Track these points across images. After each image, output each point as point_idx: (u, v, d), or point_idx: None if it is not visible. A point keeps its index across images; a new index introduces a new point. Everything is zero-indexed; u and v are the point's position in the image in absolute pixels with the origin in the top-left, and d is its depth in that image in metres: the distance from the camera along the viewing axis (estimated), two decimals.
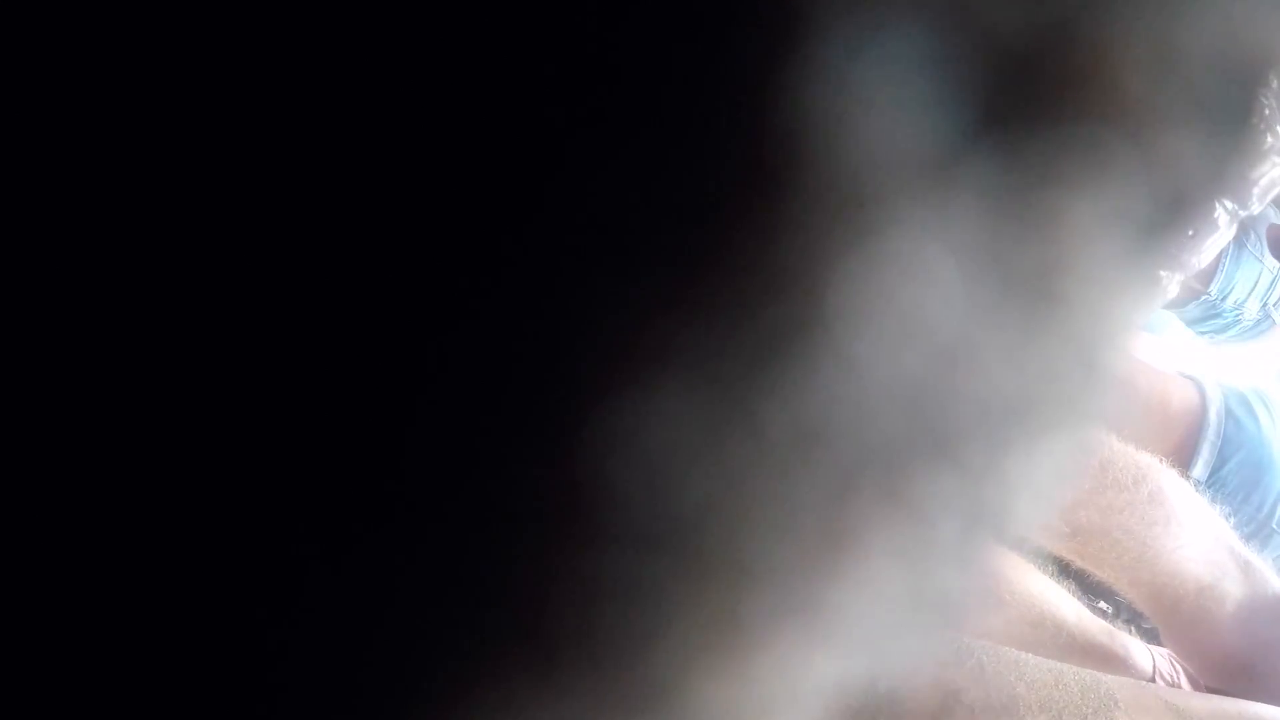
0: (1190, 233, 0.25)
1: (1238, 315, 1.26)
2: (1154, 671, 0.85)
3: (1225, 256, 1.23)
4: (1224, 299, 1.24)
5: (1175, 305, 1.25)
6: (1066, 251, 0.16)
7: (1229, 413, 0.96)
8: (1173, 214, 0.19)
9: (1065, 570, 0.88)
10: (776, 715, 0.20)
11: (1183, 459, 0.95)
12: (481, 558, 0.15)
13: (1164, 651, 0.88)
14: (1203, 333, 1.29)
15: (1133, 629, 0.89)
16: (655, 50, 0.13)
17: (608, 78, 0.13)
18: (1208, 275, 1.24)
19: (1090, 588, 0.87)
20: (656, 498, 0.15)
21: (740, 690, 0.19)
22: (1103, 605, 0.94)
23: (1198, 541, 0.81)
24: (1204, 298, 1.24)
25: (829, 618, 0.18)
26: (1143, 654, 0.87)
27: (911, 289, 0.15)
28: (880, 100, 0.14)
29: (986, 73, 0.14)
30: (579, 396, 0.14)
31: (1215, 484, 0.94)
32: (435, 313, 0.14)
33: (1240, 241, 1.19)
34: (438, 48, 0.13)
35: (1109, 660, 0.83)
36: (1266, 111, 0.20)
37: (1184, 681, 0.86)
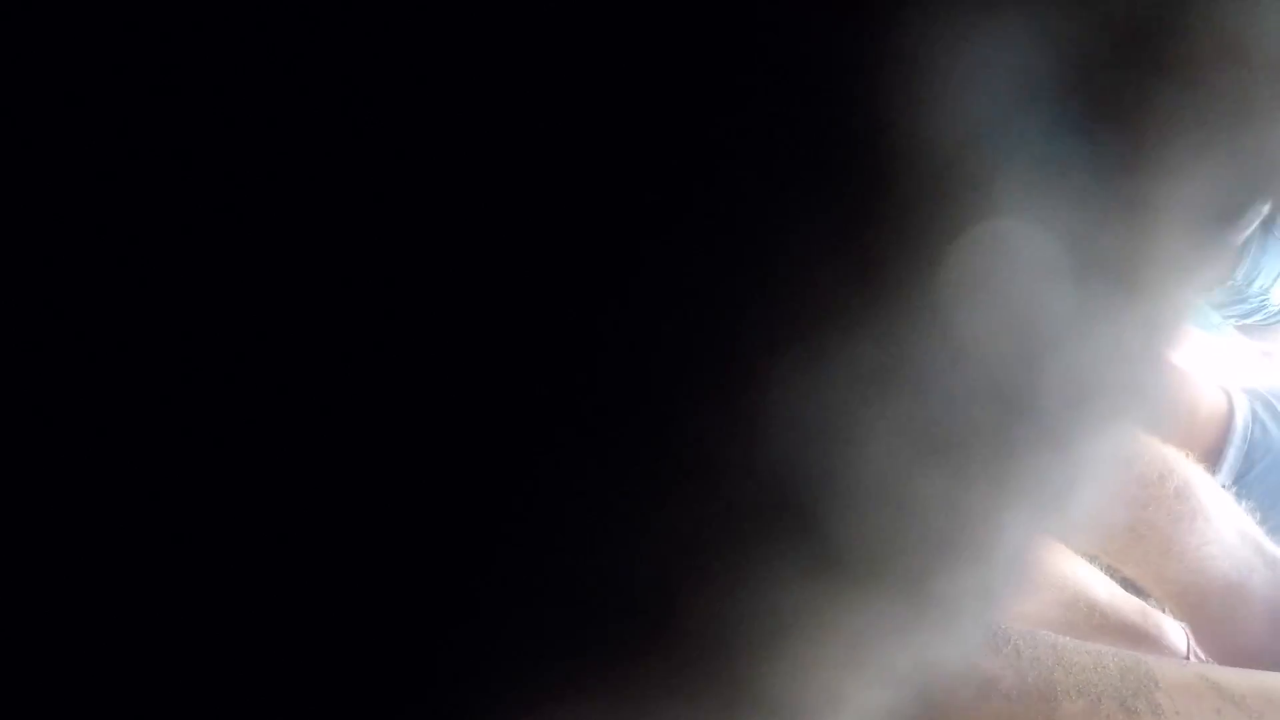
0: (1254, 220, 0.25)
1: (1263, 301, 1.25)
2: (1189, 649, 0.85)
3: (1251, 243, 1.22)
4: (1250, 284, 1.23)
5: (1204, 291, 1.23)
6: (1152, 238, 0.17)
7: (1255, 418, 0.96)
8: (1247, 202, 0.20)
9: (1094, 560, 0.87)
10: (852, 701, 0.20)
11: (1208, 464, 0.94)
12: (616, 555, 0.15)
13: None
14: (1228, 317, 1.28)
15: (1165, 608, 0.88)
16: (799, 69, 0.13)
17: (762, 93, 0.14)
18: (1233, 261, 1.23)
19: (1118, 577, 0.87)
20: (803, 480, 0.16)
21: (833, 676, 0.19)
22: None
23: (1224, 538, 0.80)
24: (1230, 284, 1.23)
25: (932, 606, 0.19)
26: (1176, 632, 0.86)
27: (1013, 272, 0.15)
28: (985, 89, 0.14)
29: (1090, 60, 0.15)
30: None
31: (1240, 490, 0.93)
32: (604, 276, 0.14)
33: (1267, 228, 1.18)
34: (624, 65, 0.13)
35: (1143, 639, 0.83)
36: None
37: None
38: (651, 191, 0.15)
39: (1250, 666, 0.81)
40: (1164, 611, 0.88)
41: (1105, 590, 0.84)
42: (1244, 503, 0.86)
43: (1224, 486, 0.93)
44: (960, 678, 0.65)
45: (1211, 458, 0.95)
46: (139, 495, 0.15)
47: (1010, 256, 0.15)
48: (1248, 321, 1.30)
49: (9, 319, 0.14)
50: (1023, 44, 0.14)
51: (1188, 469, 0.80)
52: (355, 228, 0.14)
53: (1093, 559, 0.86)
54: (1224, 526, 0.80)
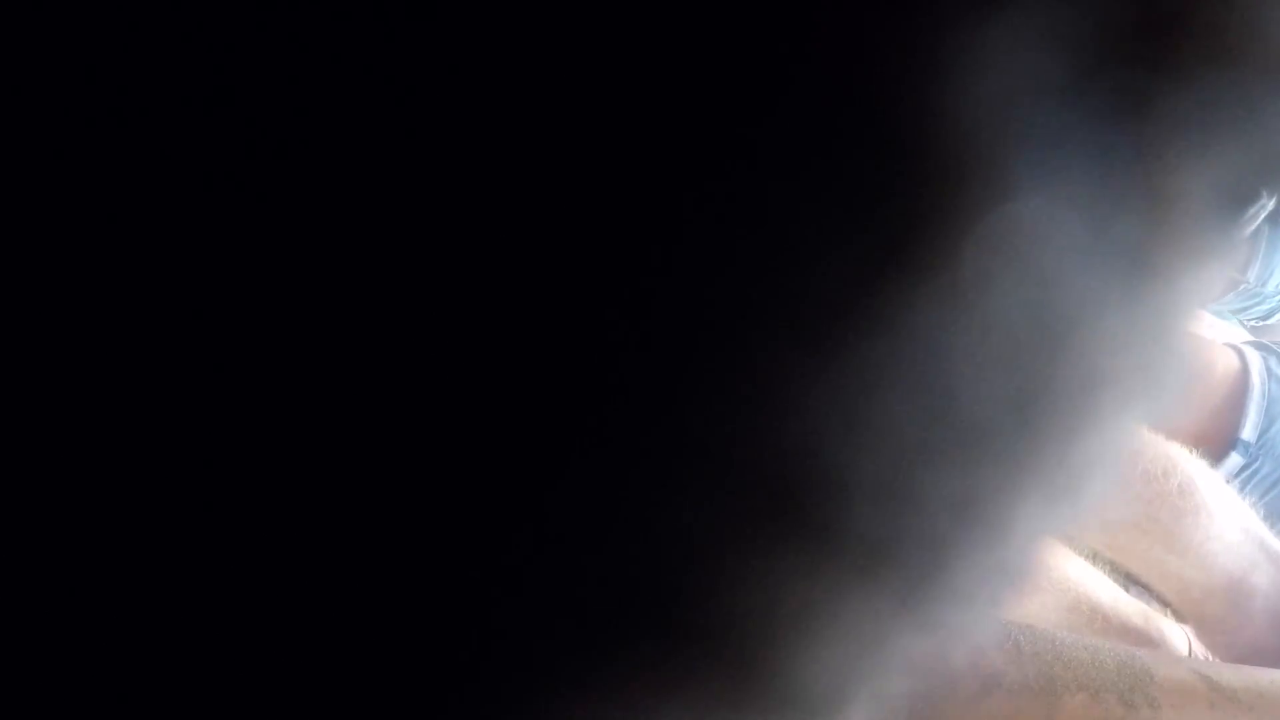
0: (1262, 211, 0.25)
1: None
2: (1190, 652, 0.85)
3: (1260, 242, 1.21)
4: (1264, 284, 1.22)
5: (1215, 299, 1.22)
6: (1167, 223, 0.17)
7: (1270, 373, 0.95)
8: (1256, 191, 0.20)
9: (1097, 558, 0.87)
10: (865, 687, 0.20)
11: (1230, 423, 0.93)
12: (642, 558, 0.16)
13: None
14: (1247, 320, 1.27)
15: (1168, 611, 0.88)
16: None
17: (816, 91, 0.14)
18: (1243, 263, 1.23)
19: (1122, 573, 0.87)
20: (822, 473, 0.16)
21: (846, 669, 0.19)
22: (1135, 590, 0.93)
23: (1227, 535, 0.80)
24: (1243, 286, 1.22)
25: (946, 596, 0.19)
26: (1178, 635, 0.86)
27: (1037, 252, 0.15)
28: (1004, 78, 0.14)
29: (1107, 49, 0.15)
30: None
31: (1265, 445, 0.92)
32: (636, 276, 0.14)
33: (1276, 225, 1.17)
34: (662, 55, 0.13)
35: (1145, 643, 0.83)
36: None
37: None
38: (661, 186, 0.15)
39: (1253, 662, 0.81)
40: (1166, 614, 0.87)
41: (1108, 594, 0.84)
42: (1267, 466, 0.85)
43: (1249, 444, 0.92)
44: (963, 673, 0.65)
45: (1232, 416, 0.94)
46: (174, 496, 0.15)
47: (1030, 240, 0.16)
48: (1268, 322, 1.29)
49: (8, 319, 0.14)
50: (1041, 34, 0.14)
51: (1192, 465, 0.80)
52: (378, 228, 0.14)
53: (1095, 556, 0.86)
54: (1228, 523, 0.80)
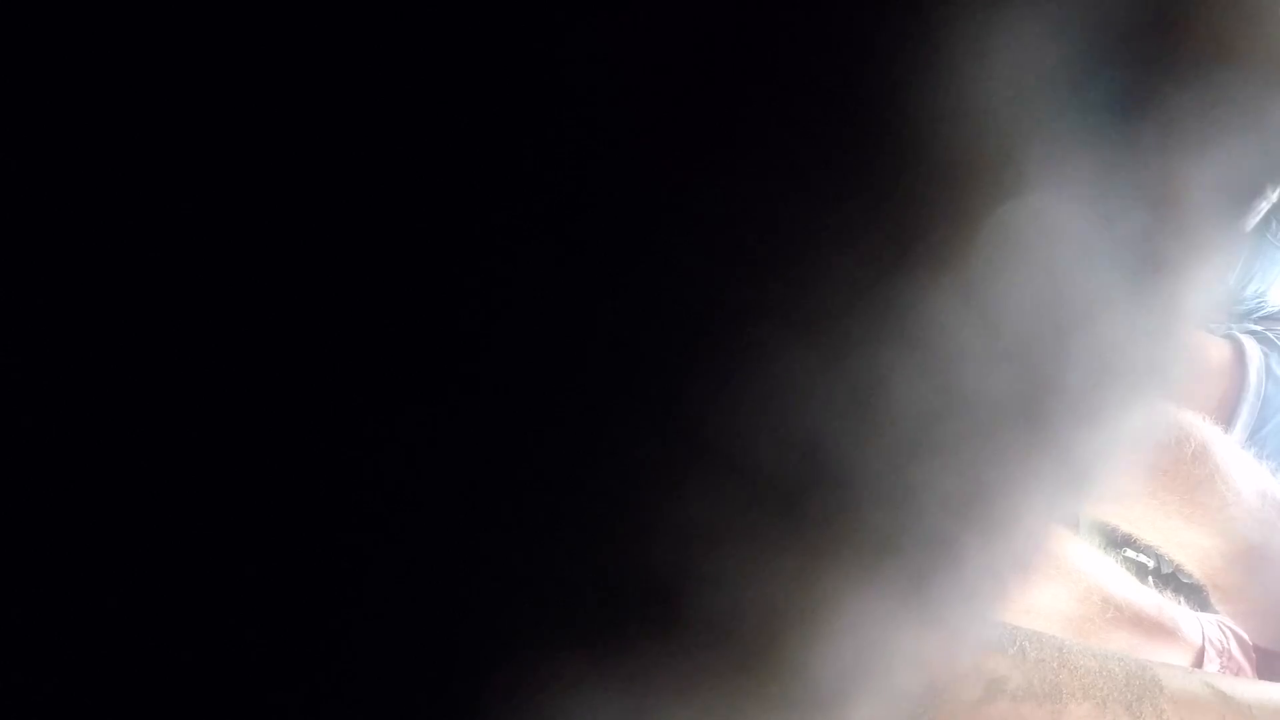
0: (1265, 205, 0.25)
1: (1260, 303, 1.25)
2: (1204, 640, 0.84)
3: (1245, 247, 1.22)
4: (1243, 289, 1.23)
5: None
6: (1177, 217, 0.17)
7: (1269, 372, 0.94)
8: (1262, 185, 0.20)
9: (1112, 537, 0.86)
10: (872, 690, 0.20)
11: (1221, 420, 0.92)
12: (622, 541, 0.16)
13: (1212, 618, 0.86)
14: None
15: (1181, 599, 0.87)
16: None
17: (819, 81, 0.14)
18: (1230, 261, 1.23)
19: (1137, 547, 0.85)
20: (803, 464, 0.16)
21: (848, 669, 0.19)
22: (1150, 576, 0.92)
23: (1244, 500, 0.78)
24: (1223, 287, 1.23)
25: (951, 590, 0.19)
26: (1192, 624, 0.85)
27: (1045, 247, 0.16)
28: (1015, 69, 0.14)
29: (1119, 43, 0.15)
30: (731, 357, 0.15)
31: (1254, 446, 0.92)
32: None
33: (1261, 231, 1.18)
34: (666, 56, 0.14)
35: (1158, 632, 0.82)
36: None
37: (1234, 647, 0.84)
38: (669, 181, 0.15)
39: (1276, 627, 0.80)
40: (1181, 603, 0.86)
41: (1120, 584, 0.83)
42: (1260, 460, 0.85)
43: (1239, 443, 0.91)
44: (967, 677, 0.65)
45: (1224, 413, 0.92)
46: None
47: (1039, 235, 0.16)
48: (1244, 324, 1.29)
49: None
50: (1050, 30, 0.15)
51: (1204, 431, 0.78)
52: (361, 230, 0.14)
53: (1112, 529, 0.85)
54: (1243, 488, 0.79)
